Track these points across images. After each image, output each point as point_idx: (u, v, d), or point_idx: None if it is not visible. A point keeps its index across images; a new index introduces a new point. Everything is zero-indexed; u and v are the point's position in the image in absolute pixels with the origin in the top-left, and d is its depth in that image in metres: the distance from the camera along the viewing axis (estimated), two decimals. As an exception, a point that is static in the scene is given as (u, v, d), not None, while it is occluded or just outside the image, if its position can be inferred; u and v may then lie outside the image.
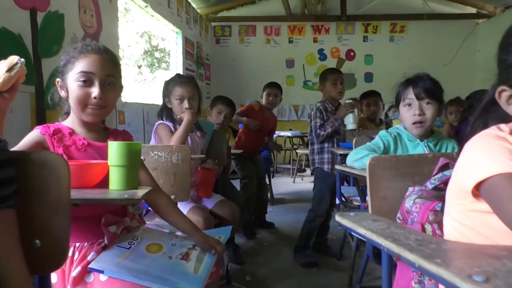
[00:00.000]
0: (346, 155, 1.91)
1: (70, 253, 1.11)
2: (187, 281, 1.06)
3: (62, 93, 1.22)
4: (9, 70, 0.95)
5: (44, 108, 2.44)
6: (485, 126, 0.77)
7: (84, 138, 1.21)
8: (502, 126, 0.75)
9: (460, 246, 0.64)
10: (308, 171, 6.13)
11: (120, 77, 1.29)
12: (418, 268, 0.58)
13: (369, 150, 1.58)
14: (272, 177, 5.38)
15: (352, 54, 7.34)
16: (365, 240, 0.81)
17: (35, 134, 1.15)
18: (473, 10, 6.94)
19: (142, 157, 1.70)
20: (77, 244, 1.13)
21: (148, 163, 1.69)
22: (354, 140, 2.13)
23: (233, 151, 3.24)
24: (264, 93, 3.35)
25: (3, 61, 0.96)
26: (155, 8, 4.48)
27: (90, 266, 1.06)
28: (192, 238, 1.25)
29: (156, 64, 7.88)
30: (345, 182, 3.17)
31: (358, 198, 2.32)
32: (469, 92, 3.19)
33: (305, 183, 5.69)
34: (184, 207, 1.95)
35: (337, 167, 1.90)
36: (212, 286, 1.22)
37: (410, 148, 1.61)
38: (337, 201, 2.57)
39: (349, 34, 7.32)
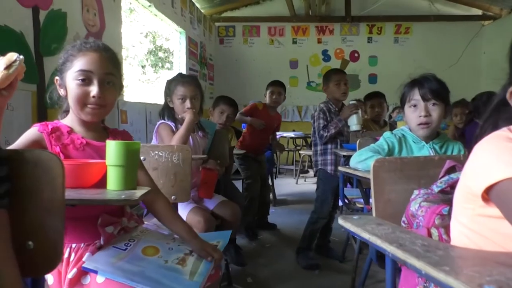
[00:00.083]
0: (349, 156, 1.88)
1: (66, 255, 1.09)
2: (182, 286, 1.04)
3: (61, 92, 1.21)
4: (8, 67, 0.93)
5: (46, 106, 2.42)
6: (495, 127, 0.74)
7: (82, 137, 1.18)
8: None
9: (469, 253, 0.61)
10: (311, 172, 6.09)
11: (120, 75, 1.26)
12: (425, 276, 0.55)
13: (373, 151, 1.55)
14: (275, 178, 5.36)
15: (356, 55, 7.30)
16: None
17: (32, 132, 1.13)
18: (479, 12, 6.89)
19: (142, 157, 1.68)
20: (73, 245, 1.11)
21: (149, 163, 1.67)
22: (357, 142, 2.10)
23: (237, 151, 3.22)
24: (268, 92, 3.33)
25: (1, 58, 0.94)
26: (159, 8, 4.47)
27: (84, 265, 1.03)
28: (189, 243, 1.22)
29: (160, 64, 7.87)
30: (348, 184, 3.14)
31: (362, 200, 2.30)
32: (474, 94, 3.16)
33: (308, 185, 5.67)
34: (185, 208, 1.92)
35: (341, 168, 1.88)
36: (212, 288, 1.20)
37: (415, 150, 1.58)
38: (340, 203, 2.55)
39: (353, 35, 7.28)
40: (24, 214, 0.71)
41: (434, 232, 0.89)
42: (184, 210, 1.91)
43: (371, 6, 6.84)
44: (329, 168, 2.60)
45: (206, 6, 6.53)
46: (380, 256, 1.35)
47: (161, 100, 2.22)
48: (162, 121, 2.09)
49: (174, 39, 5.60)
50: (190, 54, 5.73)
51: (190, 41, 5.71)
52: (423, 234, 0.89)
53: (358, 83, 7.20)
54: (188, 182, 1.71)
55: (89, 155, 1.17)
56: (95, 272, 1.02)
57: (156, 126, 2.07)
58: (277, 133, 3.82)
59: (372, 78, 7.26)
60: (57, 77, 1.21)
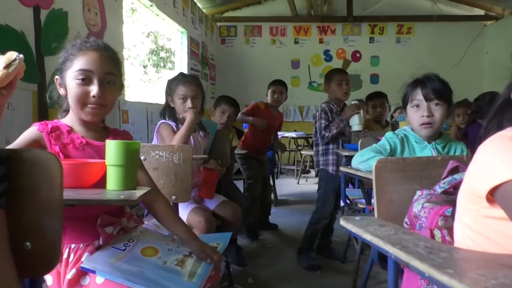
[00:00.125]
0: (351, 156, 1.87)
1: (65, 255, 1.08)
2: (181, 287, 1.03)
3: (61, 91, 1.20)
4: (7, 66, 0.92)
5: (46, 106, 2.42)
6: (500, 127, 0.73)
7: (82, 136, 1.18)
8: None
9: (473, 255, 0.60)
10: (313, 173, 6.08)
11: (121, 75, 1.26)
12: (428, 279, 0.54)
13: (375, 152, 1.54)
14: (276, 178, 5.35)
15: (358, 55, 7.29)
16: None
17: (32, 131, 1.12)
18: (481, 12, 6.87)
19: (142, 157, 1.67)
20: (73, 246, 1.10)
21: (149, 163, 1.66)
22: (359, 142, 2.09)
23: (238, 151, 3.22)
24: (269, 91, 3.31)
25: (1, 56, 0.93)
26: (160, 8, 4.46)
27: (82, 265, 1.03)
28: (188, 245, 1.21)
29: (162, 64, 7.87)
30: (349, 184, 3.12)
31: (363, 201, 2.29)
32: (477, 94, 3.14)
33: (309, 185, 5.65)
34: (186, 208, 1.92)
35: (342, 169, 1.86)
36: (212, 289, 1.19)
37: (418, 150, 1.57)
38: (342, 204, 2.53)
39: (355, 35, 7.27)
40: (22, 214, 0.70)
41: (437, 233, 0.88)
42: (185, 210, 1.90)
43: (373, 6, 6.82)
44: (330, 168, 2.59)
45: (208, 6, 6.53)
46: (382, 257, 1.34)
47: (162, 100, 2.21)
48: (163, 120, 2.08)
49: (176, 39, 5.59)
50: (192, 54, 5.72)
51: (191, 41, 5.70)
52: (426, 235, 0.88)
53: (359, 83, 7.18)
54: (188, 182, 1.71)
55: (89, 155, 1.16)
56: (93, 272, 1.01)
57: (157, 125, 2.07)
58: (279, 133, 3.80)
59: (374, 78, 7.24)
60: (57, 76, 1.21)
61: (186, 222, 1.86)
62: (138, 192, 0.93)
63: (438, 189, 1.00)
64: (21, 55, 1.00)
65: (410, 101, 1.53)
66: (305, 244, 2.63)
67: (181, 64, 5.48)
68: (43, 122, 1.15)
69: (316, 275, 2.45)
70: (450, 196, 0.94)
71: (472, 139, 2.77)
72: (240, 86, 7.02)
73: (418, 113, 1.51)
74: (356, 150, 2.10)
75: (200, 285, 1.08)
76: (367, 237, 0.72)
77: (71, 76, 1.15)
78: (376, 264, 1.51)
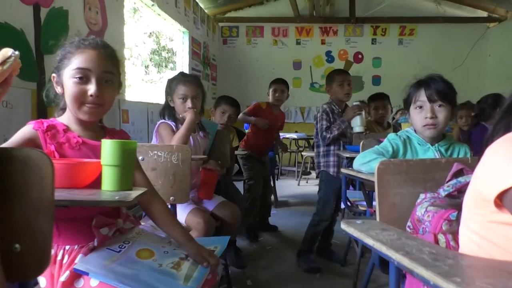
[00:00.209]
0: (352, 158, 1.85)
1: (59, 257, 1.06)
2: None
3: (58, 89, 1.18)
4: (2, 63, 0.90)
5: (45, 105, 2.40)
6: (508, 129, 0.71)
7: (79, 136, 1.15)
8: None
9: (481, 263, 0.58)
10: (313, 174, 6.05)
11: (119, 73, 1.23)
12: (433, 287, 0.51)
13: (377, 153, 1.51)
14: (277, 179, 5.32)
15: (360, 56, 7.26)
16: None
17: (27, 130, 1.10)
18: (484, 14, 6.83)
19: (140, 157, 1.65)
20: (67, 247, 1.07)
21: (147, 163, 1.64)
22: (361, 143, 2.07)
23: (240, 151, 3.19)
24: (271, 90, 3.29)
25: None
26: (162, 7, 4.45)
27: (75, 267, 1.00)
28: (184, 248, 1.19)
29: (164, 64, 7.86)
30: (350, 186, 3.10)
31: (364, 203, 2.26)
32: (479, 96, 3.11)
33: (310, 186, 5.63)
34: (184, 209, 1.89)
35: (343, 170, 1.84)
36: (209, 293, 1.16)
37: (420, 153, 1.54)
38: (342, 206, 2.51)
39: (357, 37, 7.24)
40: (11, 215, 0.68)
41: (441, 238, 0.85)
42: (183, 211, 1.88)
43: (376, 7, 6.80)
44: (331, 170, 2.57)
45: (210, 6, 6.51)
46: (383, 261, 1.32)
47: (163, 100, 2.19)
48: (163, 120, 2.06)
49: (177, 39, 5.57)
50: (193, 54, 5.70)
51: (193, 41, 5.68)
52: (430, 240, 0.85)
53: (361, 84, 7.15)
54: (187, 183, 1.68)
55: (85, 154, 1.13)
56: (87, 274, 0.99)
57: (157, 125, 2.04)
58: (280, 133, 3.78)
59: (376, 80, 7.22)
60: (54, 74, 1.19)
61: (184, 223, 1.84)
62: (134, 193, 0.90)
63: (442, 192, 0.97)
64: (17, 52, 0.98)
65: (413, 102, 1.51)
66: (305, 246, 2.61)
67: (182, 64, 5.47)
68: (39, 120, 1.13)
69: (315, 278, 2.42)
70: (454, 199, 0.91)
71: (475, 141, 2.74)
72: (241, 87, 7.00)
73: (421, 115, 1.48)
74: (357, 151, 2.07)
75: None
76: (369, 241, 0.69)
77: (68, 74, 1.13)
78: (377, 267, 1.48)
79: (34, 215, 0.67)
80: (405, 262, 0.57)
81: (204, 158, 2.03)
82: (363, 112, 2.56)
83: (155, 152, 1.65)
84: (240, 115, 3.23)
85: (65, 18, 2.70)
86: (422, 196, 1.00)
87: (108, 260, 1.03)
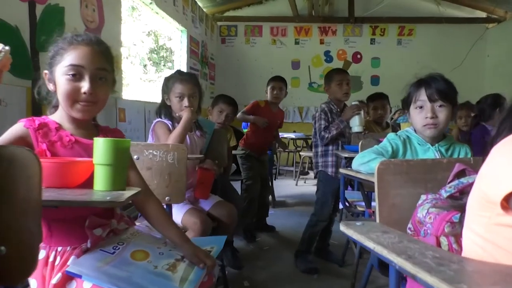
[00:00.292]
0: (350, 158, 1.82)
1: (51, 258, 1.03)
2: None
3: (50, 87, 1.15)
4: None
5: (40, 103, 2.37)
6: (513, 129, 0.68)
7: (71, 134, 1.12)
8: None
9: (487, 268, 0.55)
10: (311, 174, 6.03)
11: (113, 70, 1.21)
12: (437, 293, 0.49)
13: (376, 153, 1.49)
14: (275, 179, 5.30)
15: (358, 56, 7.24)
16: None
17: (18, 128, 1.07)
18: (483, 15, 6.82)
19: (135, 156, 1.62)
20: (59, 248, 1.04)
21: (142, 162, 1.61)
22: (360, 143, 2.04)
23: (240, 150, 3.17)
24: (269, 88, 3.26)
25: None
26: (160, 5, 4.41)
27: (67, 269, 0.97)
28: (180, 249, 1.16)
29: (162, 63, 7.83)
30: (349, 186, 3.08)
31: (363, 204, 2.24)
32: (478, 97, 3.10)
33: (308, 186, 5.61)
34: (180, 209, 1.86)
35: (342, 171, 1.81)
36: (205, 295, 1.13)
37: (420, 153, 1.52)
38: (341, 206, 2.49)
39: (356, 36, 7.22)
40: (-3, 216, 0.65)
41: (444, 241, 0.82)
42: (179, 211, 1.85)
43: (375, 7, 6.78)
44: (329, 170, 2.54)
45: (208, 5, 6.48)
46: (382, 262, 1.29)
47: (160, 99, 2.16)
48: (159, 119, 2.03)
49: (175, 38, 5.54)
50: (191, 53, 5.67)
51: (191, 40, 5.65)
52: (432, 242, 0.83)
53: (360, 84, 7.14)
54: (183, 182, 1.65)
55: (77, 153, 1.11)
56: (79, 276, 0.96)
57: (153, 124, 2.02)
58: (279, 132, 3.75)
59: (375, 80, 7.20)
60: (46, 71, 1.16)
61: (181, 223, 1.82)
62: (126, 193, 0.87)
63: (444, 193, 0.94)
64: (7, 47, 0.95)
65: (414, 101, 1.48)
66: (303, 247, 2.58)
67: (180, 63, 5.43)
68: (30, 118, 1.10)
69: (313, 279, 2.40)
70: (457, 201, 0.89)
71: (475, 142, 2.72)
72: (239, 86, 6.97)
73: (422, 114, 1.46)
74: (356, 151, 2.05)
75: None
76: (370, 244, 0.67)
77: (61, 71, 1.10)
78: (376, 270, 1.46)
79: (21, 216, 0.64)
80: (408, 266, 0.55)
81: (200, 158, 2.01)
82: (362, 112, 2.54)
83: (151, 151, 1.62)
84: (239, 114, 3.20)
85: (61, 15, 2.67)
86: (423, 197, 0.98)
87: (101, 262, 1.00)
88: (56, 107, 1.19)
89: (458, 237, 0.80)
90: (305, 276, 2.43)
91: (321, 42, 7.27)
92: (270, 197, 3.95)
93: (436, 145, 1.52)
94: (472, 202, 0.68)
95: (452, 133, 3.45)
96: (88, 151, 1.10)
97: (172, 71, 2.24)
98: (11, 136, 1.05)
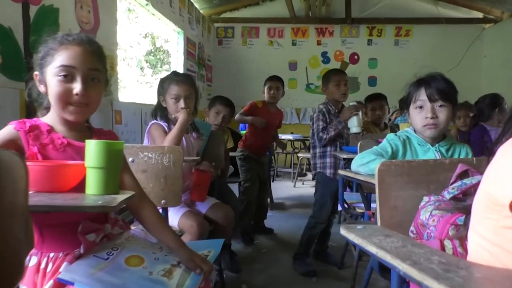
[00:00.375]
0: (349, 159, 1.80)
1: (43, 265, 1.00)
2: None
3: (41, 88, 1.12)
4: None
5: (31, 105, 2.33)
6: (517, 129, 0.66)
7: (64, 136, 1.09)
8: None
9: (497, 273, 0.52)
10: (309, 176, 6.01)
11: (106, 70, 1.17)
12: (445, 301, 0.46)
13: (376, 154, 1.46)
14: (272, 181, 5.27)
15: (356, 57, 7.24)
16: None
17: (8, 130, 1.04)
18: (480, 15, 6.84)
19: (130, 159, 1.59)
20: (51, 255, 1.01)
21: (137, 165, 1.58)
22: (359, 144, 2.02)
23: (239, 152, 3.14)
24: (266, 87, 3.23)
25: None
26: (156, 7, 4.39)
27: (59, 276, 0.94)
28: (176, 253, 1.13)
29: (159, 65, 7.79)
30: (347, 187, 3.05)
31: (362, 205, 2.22)
32: (476, 97, 3.08)
33: (306, 188, 5.58)
34: (177, 212, 1.83)
35: (341, 172, 1.79)
36: (202, 301, 1.10)
37: (420, 153, 1.49)
38: (339, 208, 2.46)
39: (353, 37, 7.22)
40: (-19, 223, 0.62)
41: (448, 244, 0.80)
42: (176, 215, 1.82)
43: (372, 8, 6.77)
44: (328, 171, 2.52)
45: (205, 6, 6.45)
46: (383, 266, 1.26)
47: (156, 101, 2.14)
48: (155, 121, 2.00)
49: (172, 39, 5.52)
50: (188, 54, 5.64)
51: (188, 42, 5.62)
52: (435, 246, 0.80)
53: (357, 85, 7.13)
54: (179, 185, 1.62)
55: (69, 156, 1.07)
56: (72, 283, 0.92)
57: (148, 126, 1.99)
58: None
59: (372, 81, 7.20)
60: (36, 72, 1.13)
61: (177, 227, 1.79)
62: (119, 197, 0.84)
63: (447, 195, 0.92)
64: None
65: (413, 101, 1.46)
66: (301, 249, 2.56)
67: (177, 65, 5.41)
68: (21, 120, 1.07)
69: (312, 282, 2.38)
70: (460, 202, 0.86)
71: (474, 142, 2.71)
72: (237, 88, 6.94)
73: (422, 115, 1.43)
74: (354, 152, 2.03)
75: None
76: (372, 249, 0.64)
77: (52, 72, 1.07)
78: (375, 271, 1.43)
79: (6, 221, 0.61)
80: (413, 273, 0.52)
81: (197, 160, 1.98)
82: (360, 113, 2.52)
83: (146, 153, 1.58)
84: (237, 116, 3.18)
85: (55, 16, 2.64)
86: (425, 199, 0.95)
87: (95, 268, 0.97)
88: (47, 108, 1.16)
89: (463, 240, 0.77)
90: (303, 279, 2.40)
91: (318, 43, 7.26)
92: (268, 199, 3.92)
93: (437, 145, 1.49)
94: (478, 204, 0.65)
95: (451, 133, 3.44)
96: (81, 154, 1.07)
97: (169, 73, 2.21)
98: (0, 139, 1.01)
